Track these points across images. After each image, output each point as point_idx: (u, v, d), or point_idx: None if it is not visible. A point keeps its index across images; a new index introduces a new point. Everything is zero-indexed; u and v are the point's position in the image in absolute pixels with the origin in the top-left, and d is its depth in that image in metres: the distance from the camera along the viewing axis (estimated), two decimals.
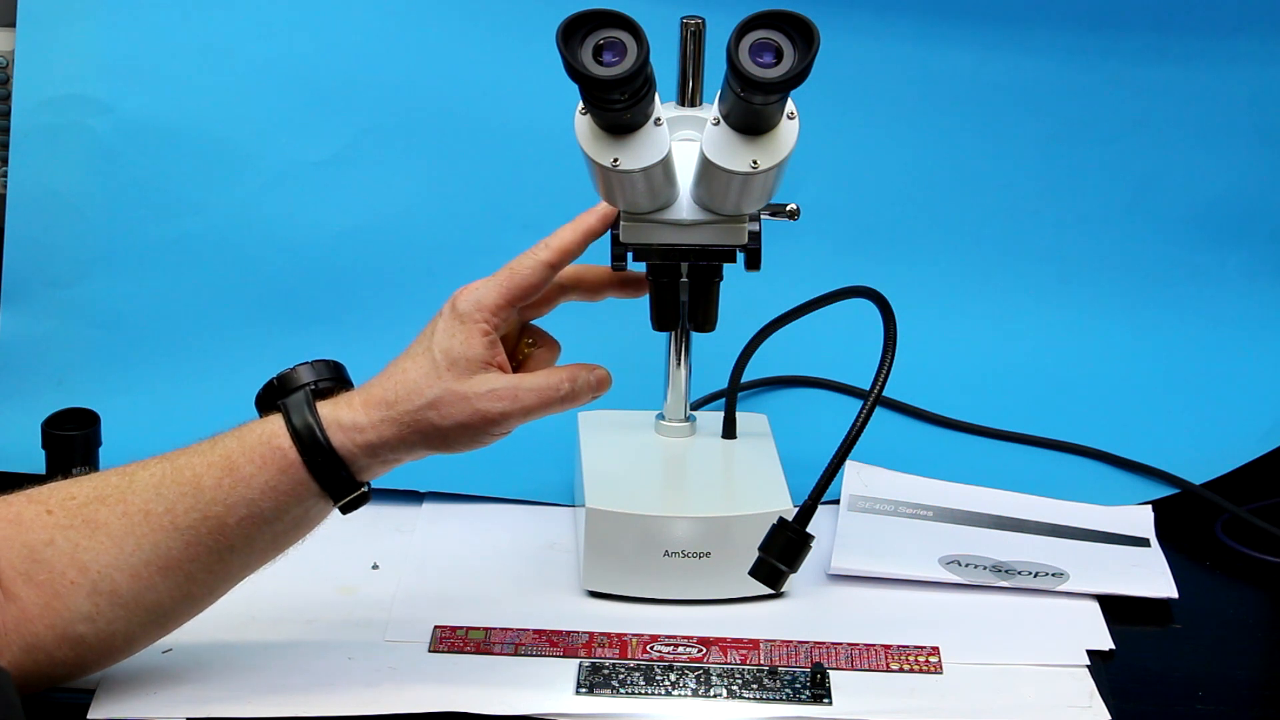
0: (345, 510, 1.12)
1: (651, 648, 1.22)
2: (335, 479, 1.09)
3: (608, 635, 1.23)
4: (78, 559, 1.06)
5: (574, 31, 1.09)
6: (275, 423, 1.10)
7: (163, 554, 1.07)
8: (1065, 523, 1.42)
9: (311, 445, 1.09)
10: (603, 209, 1.17)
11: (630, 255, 1.27)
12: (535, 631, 1.23)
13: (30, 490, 1.10)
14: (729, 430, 1.41)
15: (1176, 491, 1.49)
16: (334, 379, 1.15)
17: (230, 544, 1.09)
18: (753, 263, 1.26)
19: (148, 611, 1.08)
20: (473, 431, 1.11)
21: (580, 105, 1.16)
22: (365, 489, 1.12)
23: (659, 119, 1.17)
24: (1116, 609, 1.29)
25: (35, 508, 1.08)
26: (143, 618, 1.09)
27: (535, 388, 1.12)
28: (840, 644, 1.23)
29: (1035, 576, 1.32)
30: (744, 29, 1.08)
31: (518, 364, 1.18)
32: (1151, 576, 1.34)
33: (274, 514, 1.09)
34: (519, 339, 1.19)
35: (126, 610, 1.07)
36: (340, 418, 1.10)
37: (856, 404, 1.41)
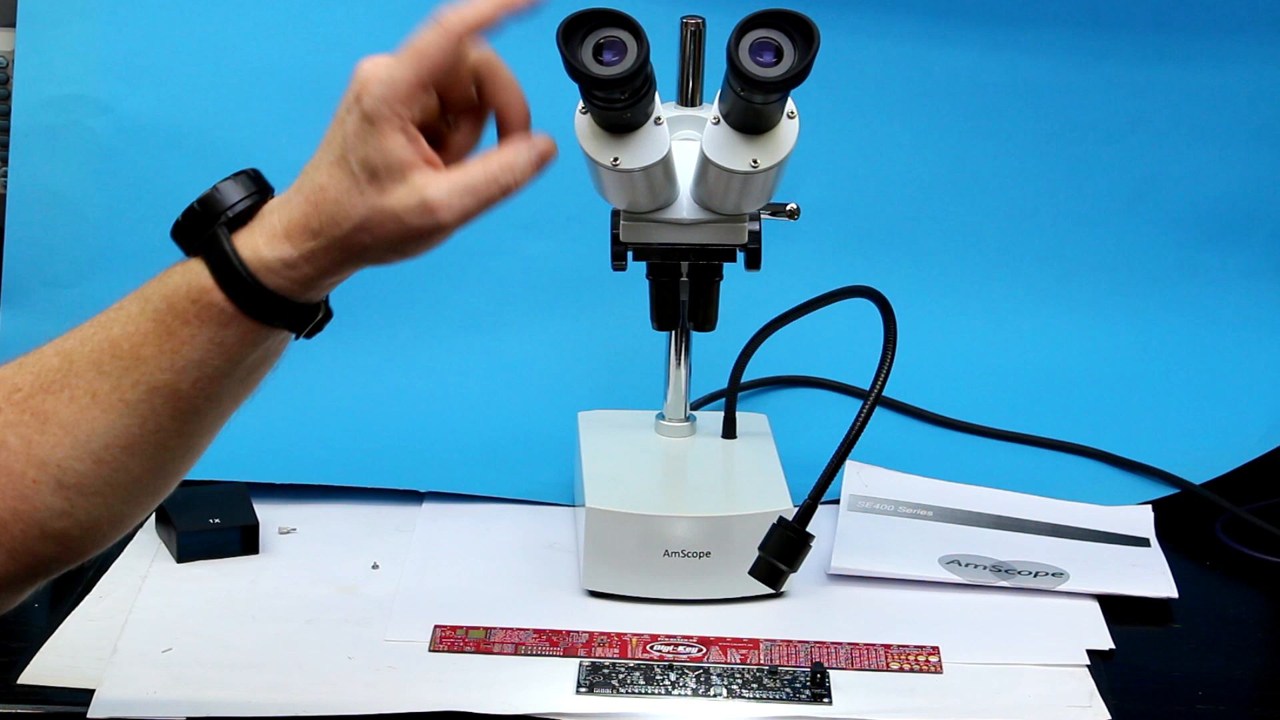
0: (310, 335, 1.03)
1: (651, 647, 1.22)
2: (286, 316, 1.00)
3: (608, 635, 1.23)
4: (34, 456, 0.98)
5: (574, 31, 1.09)
6: (202, 275, 0.99)
7: (121, 433, 0.99)
8: (1065, 523, 1.42)
9: (253, 292, 0.98)
10: None
11: (630, 254, 1.27)
12: (535, 631, 1.23)
13: None
14: (729, 430, 1.41)
15: (1176, 491, 1.48)
16: (257, 191, 1.05)
17: (192, 406, 1.00)
18: (753, 262, 1.27)
19: (127, 490, 1.00)
20: (411, 246, 1.01)
21: (580, 104, 1.16)
22: (322, 312, 1.03)
23: (659, 118, 1.17)
24: (1116, 609, 1.29)
25: None
26: (123, 496, 1.00)
27: (471, 187, 0.99)
28: (840, 644, 1.23)
29: (1035, 576, 1.32)
30: (744, 28, 1.08)
31: (441, 143, 1.04)
32: (1151, 576, 1.34)
33: (228, 366, 1.00)
34: (440, 115, 1.04)
35: (101, 496, 0.99)
36: (269, 257, 0.99)
37: (856, 404, 1.41)
